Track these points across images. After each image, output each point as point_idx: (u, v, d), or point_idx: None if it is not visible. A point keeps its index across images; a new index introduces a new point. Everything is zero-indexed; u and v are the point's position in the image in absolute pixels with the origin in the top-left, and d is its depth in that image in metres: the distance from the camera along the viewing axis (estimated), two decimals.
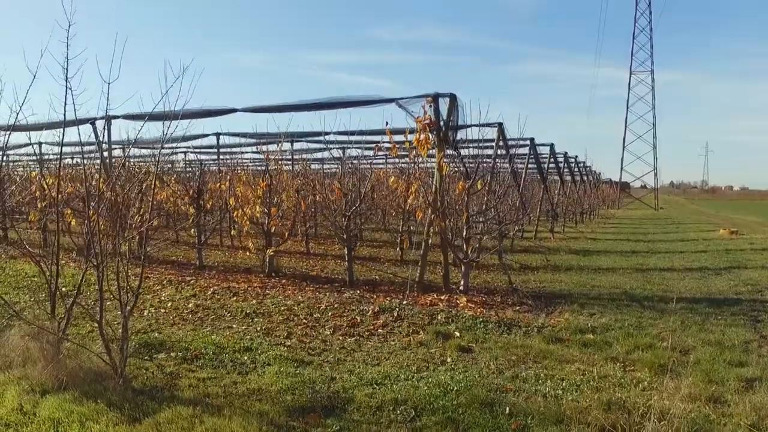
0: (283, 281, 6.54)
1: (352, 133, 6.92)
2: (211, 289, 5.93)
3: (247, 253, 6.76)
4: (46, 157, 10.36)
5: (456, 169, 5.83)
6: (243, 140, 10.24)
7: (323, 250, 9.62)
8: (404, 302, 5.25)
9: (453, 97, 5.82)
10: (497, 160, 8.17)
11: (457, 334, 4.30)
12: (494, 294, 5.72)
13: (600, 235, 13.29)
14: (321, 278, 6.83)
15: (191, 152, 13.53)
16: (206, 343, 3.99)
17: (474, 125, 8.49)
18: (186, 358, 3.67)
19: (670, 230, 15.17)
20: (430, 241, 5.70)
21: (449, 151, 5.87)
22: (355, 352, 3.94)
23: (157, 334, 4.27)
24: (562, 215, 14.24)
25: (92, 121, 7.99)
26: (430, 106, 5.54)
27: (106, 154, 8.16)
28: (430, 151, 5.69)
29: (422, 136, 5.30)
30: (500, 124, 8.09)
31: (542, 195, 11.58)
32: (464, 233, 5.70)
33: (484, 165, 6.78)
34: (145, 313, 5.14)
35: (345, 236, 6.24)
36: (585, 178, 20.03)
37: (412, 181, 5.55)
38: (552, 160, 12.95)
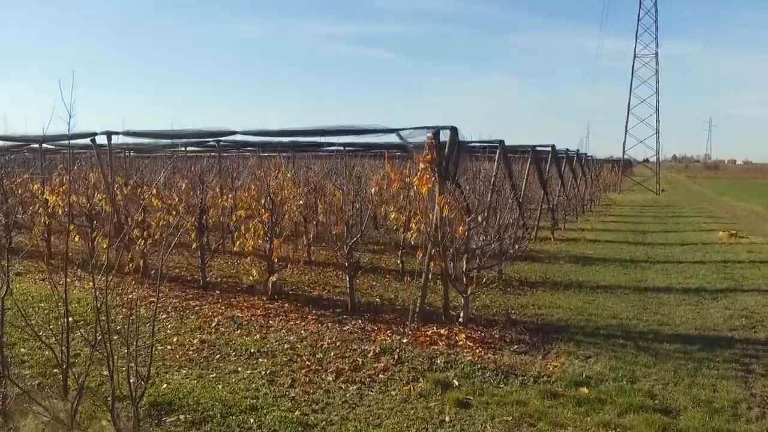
0: (286, 305, 6.66)
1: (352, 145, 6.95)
2: (216, 320, 6.06)
3: (251, 269, 6.84)
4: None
5: (457, 198, 5.87)
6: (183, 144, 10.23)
7: (325, 257, 9.72)
8: (404, 340, 5.37)
9: (454, 130, 5.83)
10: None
11: (456, 383, 4.43)
12: (493, 326, 5.83)
13: (600, 234, 13.37)
14: (323, 300, 6.95)
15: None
16: (214, 399, 4.12)
17: (475, 142, 8.51)
18: (194, 421, 3.81)
19: (669, 227, 15.23)
20: (430, 274, 5.79)
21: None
22: (357, 407, 4.07)
23: (165, 386, 4.40)
24: (562, 213, 14.29)
25: (92, 137, 8.02)
26: (431, 142, 5.56)
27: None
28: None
29: (424, 176, 5.34)
30: (501, 142, 8.11)
31: (542, 196, 11.60)
32: (464, 267, 5.79)
33: (484, 187, 6.82)
34: (153, 351, 5.27)
35: (347, 264, 6.33)
36: (586, 170, 19.96)
37: (412, 215, 5.60)
38: (554, 159, 12.96)
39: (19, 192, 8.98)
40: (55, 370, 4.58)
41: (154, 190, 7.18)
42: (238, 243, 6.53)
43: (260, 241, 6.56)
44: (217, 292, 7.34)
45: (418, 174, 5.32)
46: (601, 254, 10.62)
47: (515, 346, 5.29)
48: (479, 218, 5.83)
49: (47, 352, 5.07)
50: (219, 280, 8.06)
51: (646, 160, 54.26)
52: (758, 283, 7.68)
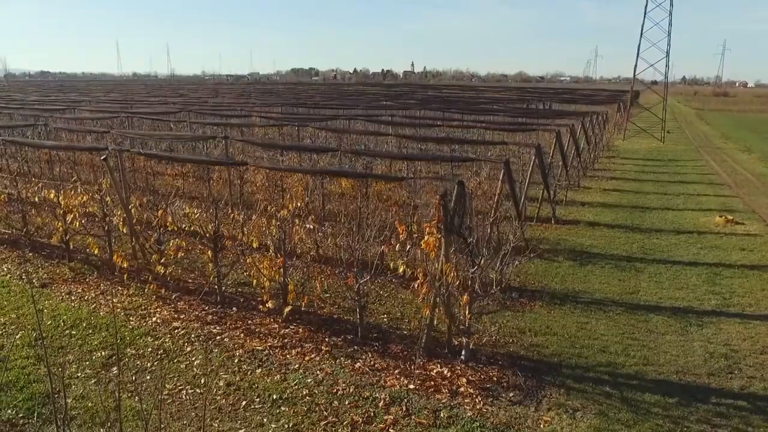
0: (300, 331, 7.17)
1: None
2: (237, 354, 6.59)
3: (266, 298, 7.29)
4: None
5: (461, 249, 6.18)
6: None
7: (333, 252, 10.11)
8: (411, 386, 5.92)
9: (460, 184, 6.04)
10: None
11: None
12: (493, 366, 6.36)
13: (599, 214, 13.67)
14: (334, 323, 7.44)
15: None
16: None
17: (482, 160, 8.62)
18: None
19: (669, 200, 15.50)
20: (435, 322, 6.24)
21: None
22: None
23: None
24: (564, 191, 14.51)
25: (104, 158, 8.16)
26: (439, 204, 5.78)
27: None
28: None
29: (431, 239, 5.63)
30: (506, 162, 8.24)
31: (544, 187, 11.79)
32: (467, 311, 6.22)
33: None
34: (183, 395, 5.85)
35: (357, 299, 6.76)
36: (591, 134, 19.80)
37: (418, 274, 5.96)
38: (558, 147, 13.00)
39: (35, 199, 9.22)
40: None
41: (170, 217, 7.45)
42: (254, 281, 6.91)
43: (276, 276, 6.95)
44: (235, 309, 7.83)
45: (425, 238, 5.60)
46: (599, 246, 11.00)
47: (511, 394, 5.84)
48: (482, 262, 6.17)
49: (90, 403, 5.66)
50: (235, 290, 8.51)
51: (654, 82, 52.90)
52: (743, 303, 8.13)
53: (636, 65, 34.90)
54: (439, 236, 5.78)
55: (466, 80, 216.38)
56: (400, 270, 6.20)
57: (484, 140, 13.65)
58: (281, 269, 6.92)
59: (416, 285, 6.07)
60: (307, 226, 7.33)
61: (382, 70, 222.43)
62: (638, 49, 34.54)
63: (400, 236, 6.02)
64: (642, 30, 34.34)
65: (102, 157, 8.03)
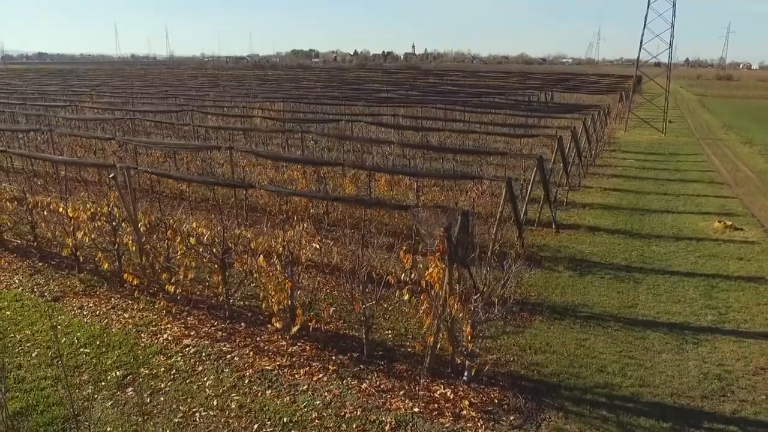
0: (307, 348, 7.40)
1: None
2: (248, 374, 6.82)
3: (274, 320, 7.51)
4: None
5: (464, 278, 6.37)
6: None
7: (336, 256, 10.30)
8: (416, 409, 6.16)
9: (464, 215, 6.20)
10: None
11: None
12: (494, 387, 6.59)
13: (600, 217, 13.82)
14: (341, 340, 7.65)
15: None
16: None
17: (485, 178, 8.76)
18: None
19: (669, 201, 15.64)
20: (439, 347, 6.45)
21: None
22: None
23: None
24: (565, 192, 14.65)
25: (113, 176, 8.29)
26: (443, 236, 5.95)
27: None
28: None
29: (435, 272, 5.81)
30: (508, 182, 8.38)
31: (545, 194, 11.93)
32: (470, 339, 6.43)
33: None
34: (197, 418, 6.09)
35: (362, 320, 6.97)
36: (592, 132, 19.83)
37: (422, 299, 6.15)
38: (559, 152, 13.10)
39: (44, 213, 9.38)
40: None
41: (178, 237, 7.62)
42: (263, 301, 7.11)
43: (284, 301, 7.15)
44: (243, 325, 8.04)
45: (429, 270, 5.79)
46: (599, 254, 11.19)
47: (512, 417, 6.08)
48: (484, 289, 6.36)
49: (109, 428, 5.90)
50: (243, 303, 8.72)
51: (657, 65, 52.50)
52: (738, 318, 8.34)
53: (639, 54, 34.69)
54: (443, 266, 5.96)
55: (468, 62, 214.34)
56: (405, 298, 6.39)
57: (486, 150, 13.74)
58: (290, 292, 7.11)
59: (421, 311, 6.27)
60: (314, 245, 7.50)
61: (383, 51, 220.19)
62: (641, 41, 34.30)
63: (405, 264, 6.19)
64: (646, 18, 34.06)
65: (111, 176, 8.16)
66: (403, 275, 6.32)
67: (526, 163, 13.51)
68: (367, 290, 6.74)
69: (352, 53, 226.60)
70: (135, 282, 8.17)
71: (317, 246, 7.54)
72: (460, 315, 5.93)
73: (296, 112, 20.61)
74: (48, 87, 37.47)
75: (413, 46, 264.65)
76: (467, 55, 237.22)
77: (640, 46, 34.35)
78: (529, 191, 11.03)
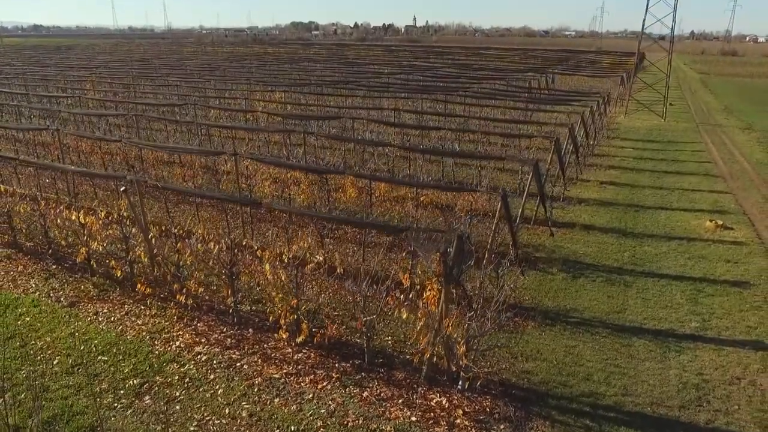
0: (312, 356, 7.86)
1: None
2: (256, 384, 7.30)
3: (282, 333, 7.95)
4: None
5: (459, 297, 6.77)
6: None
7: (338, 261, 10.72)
8: (413, 418, 6.65)
9: (460, 238, 6.56)
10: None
11: None
12: (486, 396, 7.07)
13: (595, 214, 14.18)
14: (343, 347, 8.12)
15: None
16: None
17: (481, 191, 9.11)
18: None
19: (663, 196, 15.97)
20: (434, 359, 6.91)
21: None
22: None
23: None
24: (562, 188, 14.96)
25: (124, 190, 8.62)
26: (439, 260, 6.33)
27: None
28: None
29: (431, 294, 6.21)
30: (504, 196, 8.71)
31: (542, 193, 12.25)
32: (464, 354, 6.88)
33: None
34: (211, 426, 6.58)
35: (364, 331, 7.41)
36: (590, 124, 20.00)
37: (420, 316, 6.57)
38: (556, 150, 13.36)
39: (57, 221, 9.74)
40: None
41: (188, 250, 8.00)
42: (270, 313, 7.54)
43: (290, 317, 7.58)
44: (251, 331, 8.49)
45: (426, 293, 6.19)
46: (592, 255, 11.58)
47: (502, 426, 6.56)
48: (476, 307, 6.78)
49: None
50: (250, 309, 9.15)
51: (662, 38, 51.97)
52: (720, 326, 8.78)
53: (638, 46, 34.43)
54: (440, 288, 6.36)
55: (470, 35, 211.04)
56: (404, 317, 6.80)
57: (484, 155, 14.02)
58: (296, 306, 7.53)
59: (418, 329, 6.69)
60: (317, 257, 7.88)
61: (384, 24, 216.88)
62: (643, 23, 33.99)
63: (404, 283, 6.58)
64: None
65: (122, 189, 8.49)
66: (402, 296, 6.71)
67: (523, 165, 13.79)
68: (368, 298, 7.15)
69: (352, 26, 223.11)
70: (148, 291, 8.59)
71: (321, 258, 7.92)
72: (455, 335, 6.35)
73: (297, 104, 20.78)
74: (47, 69, 37.39)
75: (414, 19, 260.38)
76: (469, 29, 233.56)
77: (642, 27, 34.06)
78: (526, 190, 11.36)
